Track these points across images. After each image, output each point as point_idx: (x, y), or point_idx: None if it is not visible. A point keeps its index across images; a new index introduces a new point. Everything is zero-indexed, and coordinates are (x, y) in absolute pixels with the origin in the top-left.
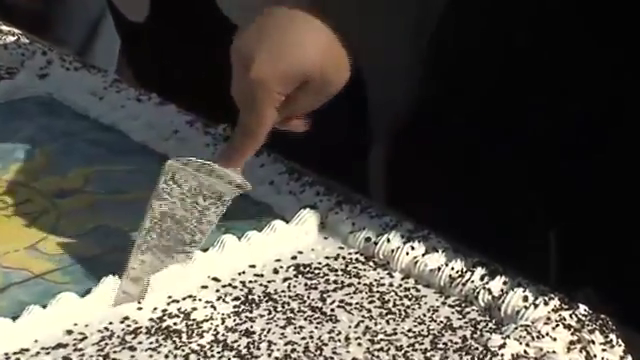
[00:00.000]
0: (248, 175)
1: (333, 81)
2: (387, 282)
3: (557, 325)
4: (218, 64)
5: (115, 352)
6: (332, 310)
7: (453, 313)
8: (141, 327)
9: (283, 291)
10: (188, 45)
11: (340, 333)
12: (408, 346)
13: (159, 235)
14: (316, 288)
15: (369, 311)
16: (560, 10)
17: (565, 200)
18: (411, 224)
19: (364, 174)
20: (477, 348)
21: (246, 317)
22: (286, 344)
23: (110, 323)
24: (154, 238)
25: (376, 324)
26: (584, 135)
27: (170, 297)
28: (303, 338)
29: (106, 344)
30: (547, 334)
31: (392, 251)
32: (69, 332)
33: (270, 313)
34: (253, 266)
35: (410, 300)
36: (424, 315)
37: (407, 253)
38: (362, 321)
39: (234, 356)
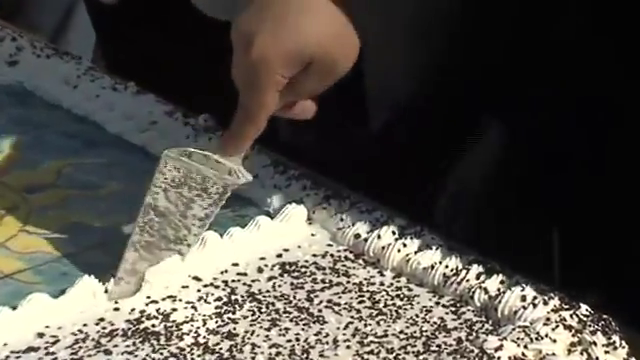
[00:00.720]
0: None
1: (339, 63)
2: (378, 281)
3: (557, 326)
4: (196, 49)
5: (90, 356)
6: (319, 311)
7: (447, 314)
8: (117, 329)
9: (268, 291)
10: (163, 30)
11: (328, 335)
12: (400, 349)
13: (151, 229)
14: (302, 288)
15: (358, 312)
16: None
17: (566, 199)
18: (403, 220)
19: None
20: (473, 350)
21: (228, 318)
22: (271, 347)
23: (84, 325)
24: (148, 231)
25: (366, 325)
26: (581, 134)
27: (149, 297)
28: (289, 340)
29: (80, 347)
30: (546, 335)
31: (383, 248)
32: (41, 335)
33: (254, 314)
34: (236, 264)
35: (402, 300)
36: (417, 316)
37: (399, 250)
38: (351, 322)
39: None
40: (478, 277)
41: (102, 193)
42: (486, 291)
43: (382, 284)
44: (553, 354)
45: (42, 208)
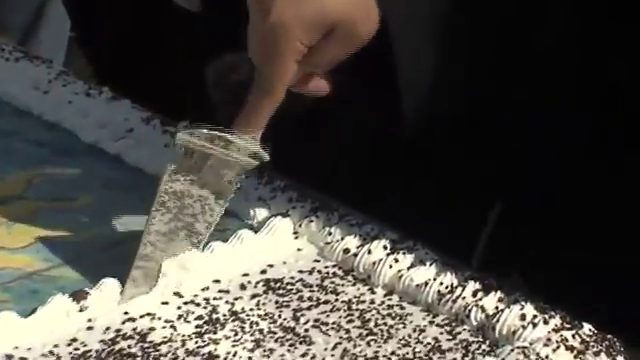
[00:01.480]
0: None
1: (361, 28)
2: (368, 299)
3: (558, 347)
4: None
5: None
6: (306, 331)
7: (442, 333)
8: (90, 350)
9: (251, 309)
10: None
11: (315, 357)
12: None
13: (166, 218)
14: (288, 306)
15: (347, 332)
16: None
17: (508, 181)
18: (395, 234)
19: None
20: None
21: (209, 339)
22: None
23: (55, 346)
24: (160, 222)
25: (355, 346)
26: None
27: (127, 314)
28: None
29: None
30: (547, 357)
31: (374, 264)
32: (9, 357)
33: (236, 334)
34: (217, 281)
35: (394, 319)
36: (409, 336)
37: (390, 266)
38: (340, 343)
39: None
40: (475, 294)
41: (74, 205)
42: (483, 309)
43: (373, 302)
44: None
45: (10, 221)
